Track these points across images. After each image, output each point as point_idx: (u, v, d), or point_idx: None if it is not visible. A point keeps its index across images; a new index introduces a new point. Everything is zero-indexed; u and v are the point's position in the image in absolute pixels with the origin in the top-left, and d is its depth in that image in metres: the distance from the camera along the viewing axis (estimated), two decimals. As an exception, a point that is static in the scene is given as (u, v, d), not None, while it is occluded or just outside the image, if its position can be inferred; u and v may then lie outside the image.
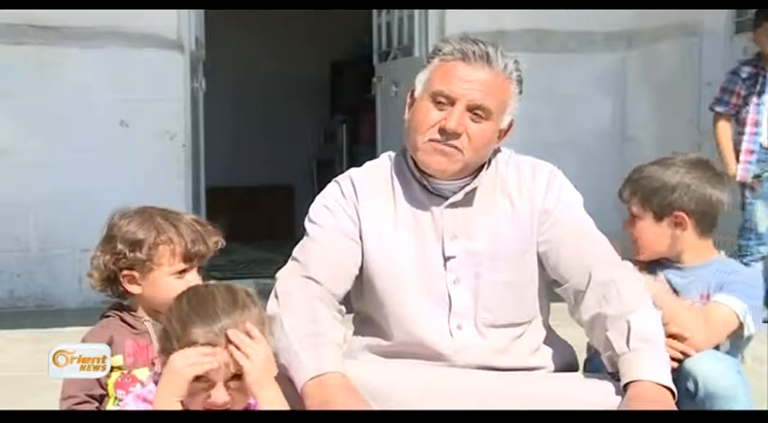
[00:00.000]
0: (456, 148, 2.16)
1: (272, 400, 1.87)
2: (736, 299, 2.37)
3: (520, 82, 2.22)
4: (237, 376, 1.85)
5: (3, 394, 3.67)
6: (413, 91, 2.25)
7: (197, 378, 1.83)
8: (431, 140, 2.16)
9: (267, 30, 9.09)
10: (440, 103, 2.16)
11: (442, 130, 2.15)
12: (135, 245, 2.18)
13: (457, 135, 2.14)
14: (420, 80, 2.23)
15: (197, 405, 1.84)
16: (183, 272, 2.20)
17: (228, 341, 1.83)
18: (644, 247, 2.48)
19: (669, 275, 2.47)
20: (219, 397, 1.84)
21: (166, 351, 1.86)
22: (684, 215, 2.43)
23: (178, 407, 1.83)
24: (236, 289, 1.93)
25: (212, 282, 2.05)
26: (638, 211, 2.47)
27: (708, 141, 6.31)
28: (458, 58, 2.17)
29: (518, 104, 2.23)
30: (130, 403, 1.94)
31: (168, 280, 2.18)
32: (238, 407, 1.87)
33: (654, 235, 2.45)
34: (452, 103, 2.15)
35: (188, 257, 2.20)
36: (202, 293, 1.91)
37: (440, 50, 2.21)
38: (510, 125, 2.25)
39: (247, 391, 1.87)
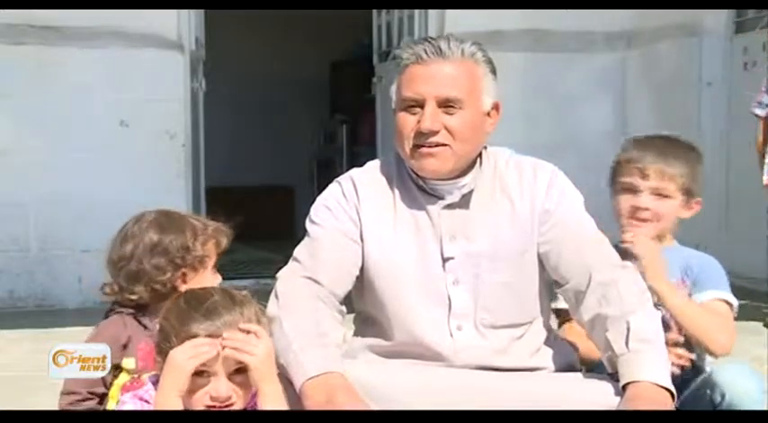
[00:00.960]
0: (441, 145, 2.17)
1: (275, 394, 1.87)
2: (727, 292, 2.40)
3: (488, 61, 2.23)
4: (240, 370, 1.85)
5: (3, 394, 3.67)
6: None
7: (199, 373, 1.83)
8: (415, 146, 2.19)
9: (267, 30, 9.09)
10: (411, 108, 2.19)
11: (420, 134, 2.17)
12: (185, 247, 2.25)
13: (435, 133, 2.16)
14: (392, 93, 2.26)
15: (200, 401, 1.84)
16: (214, 266, 2.31)
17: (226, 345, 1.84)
18: (663, 220, 2.47)
19: None
20: (222, 390, 1.83)
21: (164, 351, 1.86)
22: (699, 199, 2.48)
23: (179, 402, 1.82)
24: (232, 290, 1.95)
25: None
26: (664, 185, 2.45)
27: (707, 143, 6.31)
28: (413, 61, 2.20)
29: (494, 83, 2.23)
30: (128, 402, 1.94)
31: (210, 273, 2.29)
32: (241, 402, 1.87)
33: (674, 210, 2.45)
34: (422, 105, 2.18)
35: (222, 251, 2.32)
36: (200, 293, 1.93)
37: (399, 58, 2.25)
38: (496, 106, 2.25)
39: (251, 385, 1.87)
